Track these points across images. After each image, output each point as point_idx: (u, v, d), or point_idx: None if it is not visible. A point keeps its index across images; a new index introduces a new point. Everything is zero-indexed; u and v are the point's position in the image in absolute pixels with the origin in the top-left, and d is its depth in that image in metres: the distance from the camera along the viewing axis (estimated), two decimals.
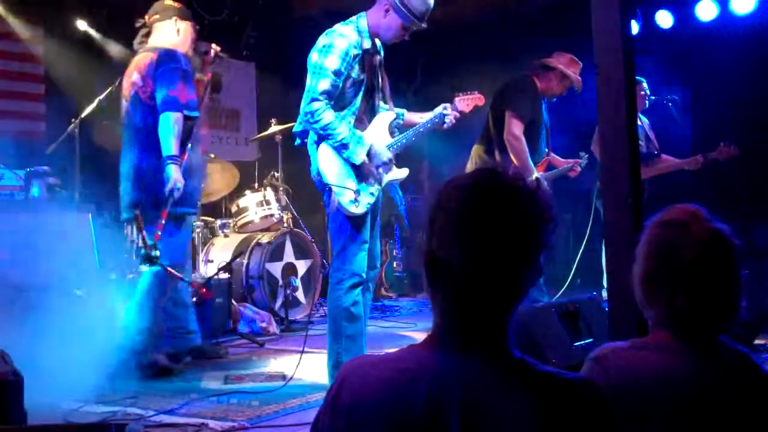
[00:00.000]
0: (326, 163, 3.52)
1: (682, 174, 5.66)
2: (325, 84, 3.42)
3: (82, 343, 3.45)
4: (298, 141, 3.71)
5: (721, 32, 6.79)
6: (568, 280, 5.72)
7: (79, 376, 3.41)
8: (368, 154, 3.53)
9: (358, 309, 3.57)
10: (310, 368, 4.04)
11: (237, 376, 3.91)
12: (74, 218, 4.43)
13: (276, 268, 5.80)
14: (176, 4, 4.30)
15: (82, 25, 6.35)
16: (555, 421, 1.10)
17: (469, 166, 5.10)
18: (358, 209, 3.50)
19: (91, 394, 3.38)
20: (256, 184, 6.17)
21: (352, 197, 3.49)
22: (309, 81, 3.46)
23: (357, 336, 3.57)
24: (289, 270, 5.88)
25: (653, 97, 5.64)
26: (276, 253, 5.81)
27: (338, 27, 3.54)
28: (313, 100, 3.42)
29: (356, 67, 3.51)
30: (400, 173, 3.72)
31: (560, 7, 6.29)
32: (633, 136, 2.78)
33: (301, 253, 6.02)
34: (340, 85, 3.47)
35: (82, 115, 5.25)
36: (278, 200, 6.07)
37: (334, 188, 3.49)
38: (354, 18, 3.60)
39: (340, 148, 3.47)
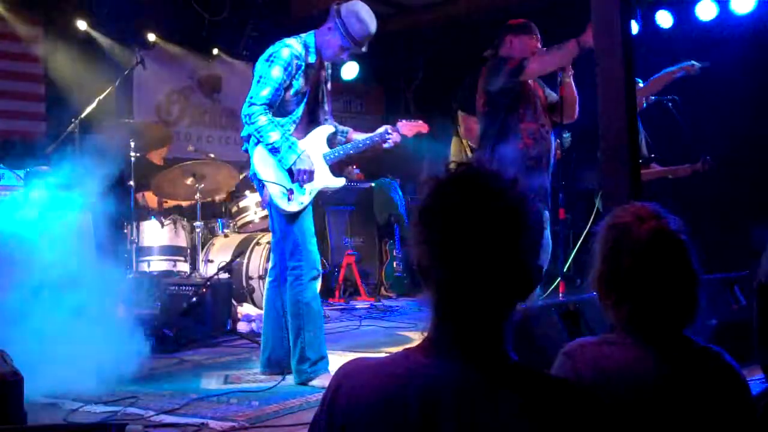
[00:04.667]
0: (262, 162, 3.71)
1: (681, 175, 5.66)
2: (265, 92, 3.62)
3: (82, 344, 3.45)
4: (244, 146, 3.87)
5: (721, 32, 6.79)
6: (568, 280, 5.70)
7: (80, 376, 3.41)
8: (297, 161, 3.68)
9: (318, 303, 3.75)
10: None
11: (237, 376, 3.90)
12: (74, 218, 4.43)
13: None
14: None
15: (82, 25, 6.35)
16: (549, 424, 1.10)
17: None
18: (290, 206, 3.70)
19: (92, 394, 3.38)
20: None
21: (285, 193, 3.69)
22: (252, 87, 3.66)
23: (318, 330, 3.73)
24: None
25: (653, 97, 5.63)
26: None
27: (287, 39, 3.74)
28: (252, 104, 3.63)
29: (300, 78, 3.71)
30: (336, 182, 3.92)
31: (560, 7, 6.29)
32: (633, 136, 2.79)
33: None
34: (282, 93, 3.67)
35: (82, 115, 5.26)
36: None
37: (267, 184, 3.70)
38: (305, 34, 3.79)
39: (272, 151, 3.67)
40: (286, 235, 3.76)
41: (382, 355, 1.26)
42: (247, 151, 3.84)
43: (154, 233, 5.54)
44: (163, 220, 5.56)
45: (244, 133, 3.79)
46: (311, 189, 3.76)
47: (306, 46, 3.74)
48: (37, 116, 6.24)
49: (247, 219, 6.01)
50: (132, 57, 5.99)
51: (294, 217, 3.71)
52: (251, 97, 3.64)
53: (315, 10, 7.67)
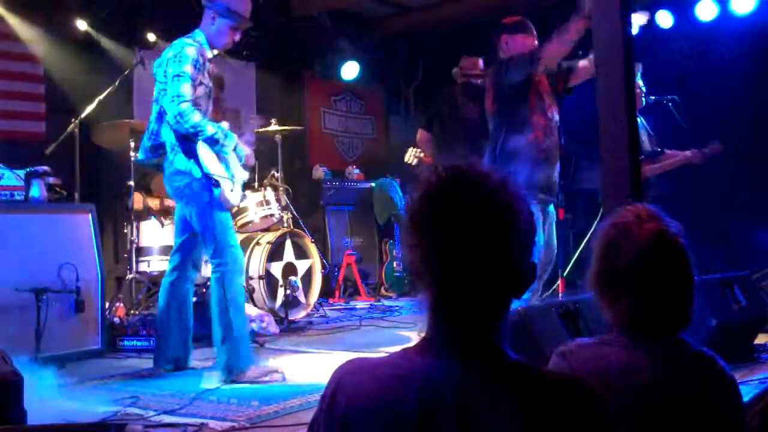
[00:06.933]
0: (208, 159, 3.76)
1: (682, 175, 5.65)
2: (187, 89, 3.65)
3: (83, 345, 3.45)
4: (142, 156, 3.96)
5: (721, 32, 6.79)
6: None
7: (79, 376, 3.41)
8: (237, 144, 3.88)
9: (243, 299, 3.89)
10: (310, 368, 4.04)
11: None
12: (74, 218, 4.43)
13: (276, 268, 5.80)
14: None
15: (82, 25, 6.34)
16: (550, 422, 1.10)
17: None
18: (236, 200, 3.90)
19: (91, 394, 3.38)
20: (256, 184, 6.17)
21: (231, 188, 3.83)
22: (170, 87, 3.65)
23: (244, 324, 3.87)
24: (289, 270, 5.89)
25: (653, 97, 5.63)
26: (276, 253, 5.81)
27: (184, 39, 3.79)
28: (180, 102, 3.63)
29: (205, 74, 3.82)
30: (245, 174, 4.07)
31: (561, 7, 6.28)
32: (633, 135, 2.79)
33: (301, 253, 6.02)
34: (195, 90, 3.72)
35: (82, 115, 5.26)
36: (278, 200, 6.08)
37: (221, 180, 3.76)
38: (191, 34, 3.85)
39: (212, 143, 3.73)
40: (221, 232, 3.76)
41: (382, 355, 1.26)
42: (149, 162, 3.92)
43: (154, 233, 5.54)
44: (163, 220, 5.56)
45: (142, 157, 3.85)
46: (240, 179, 3.93)
47: (200, 43, 3.82)
48: (37, 116, 6.23)
49: (247, 219, 6.01)
50: (132, 57, 5.99)
51: (225, 212, 3.81)
52: (177, 96, 3.63)
53: (315, 10, 7.68)
